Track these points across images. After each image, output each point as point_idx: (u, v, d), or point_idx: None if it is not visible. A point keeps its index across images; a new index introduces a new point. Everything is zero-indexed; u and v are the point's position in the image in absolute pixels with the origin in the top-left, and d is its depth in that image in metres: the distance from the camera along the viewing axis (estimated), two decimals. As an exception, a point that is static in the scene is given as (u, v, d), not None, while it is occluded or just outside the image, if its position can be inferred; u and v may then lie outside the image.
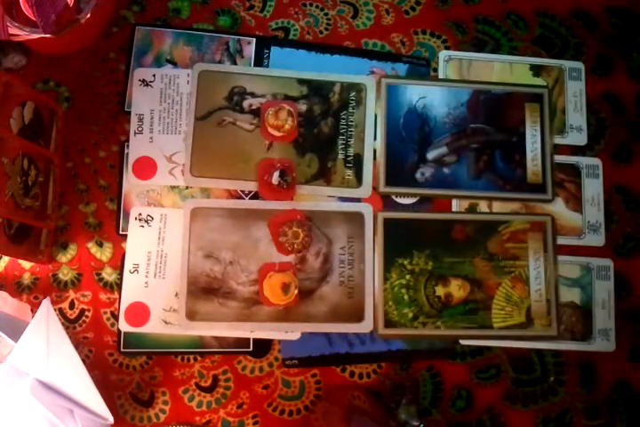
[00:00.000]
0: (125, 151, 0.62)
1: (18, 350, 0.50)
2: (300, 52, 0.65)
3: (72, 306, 0.60)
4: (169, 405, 0.59)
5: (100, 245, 0.61)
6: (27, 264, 0.61)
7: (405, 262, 0.60)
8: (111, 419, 0.51)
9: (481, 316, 0.60)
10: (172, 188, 0.61)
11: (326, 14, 0.66)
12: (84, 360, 0.52)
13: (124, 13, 0.65)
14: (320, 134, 0.63)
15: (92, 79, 0.64)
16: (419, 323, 0.60)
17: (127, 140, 0.62)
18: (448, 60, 0.65)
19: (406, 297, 0.60)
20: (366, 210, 0.61)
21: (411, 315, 0.60)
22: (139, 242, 0.60)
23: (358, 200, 0.62)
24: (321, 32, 0.66)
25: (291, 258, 0.60)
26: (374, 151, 0.63)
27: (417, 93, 0.64)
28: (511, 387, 0.60)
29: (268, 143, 0.62)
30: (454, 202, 0.63)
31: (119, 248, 0.61)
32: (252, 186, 0.61)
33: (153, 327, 0.59)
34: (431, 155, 0.63)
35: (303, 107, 0.63)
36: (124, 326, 0.59)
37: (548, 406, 0.60)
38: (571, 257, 0.62)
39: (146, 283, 0.59)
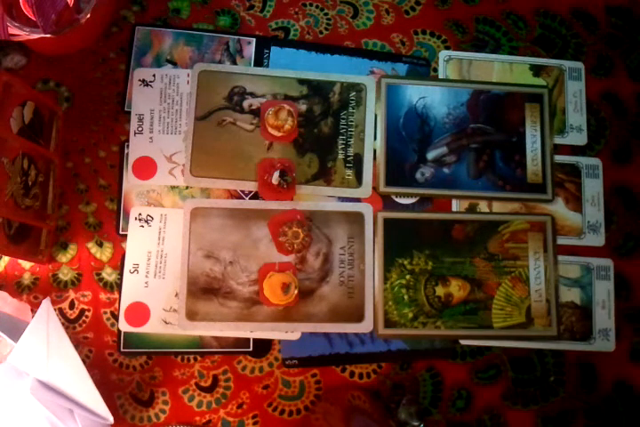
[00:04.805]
0: (125, 151, 0.62)
1: (18, 350, 0.50)
2: (300, 52, 0.65)
3: (72, 306, 0.60)
4: (169, 405, 0.59)
5: (100, 245, 0.61)
6: (27, 264, 0.61)
7: (405, 262, 0.60)
8: (111, 419, 0.51)
9: (481, 316, 0.60)
10: (172, 188, 0.61)
11: (326, 14, 0.66)
12: (83, 360, 0.52)
13: (124, 13, 0.65)
14: (320, 134, 0.63)
15: (92, 79, 0.64)
16: (419, 323, 0.60)
17: (127, 141, 0.62)
18: (448, 60, 0.65)
19: (406, 297, 0.60)
20: (366, 210, 0.61)
21: (411, 315, 0.60)
22: (139, 242, 0.60)
23: (358, 200, 0.62)
24: (321, 32, 0.66)
25: (291, 258, 0.60)
26: (374, 151, 0.63)
27: (417, 93, 0.64)
28: (511, 387, 0.60)
29: (268, 143, 0.62)
30: (454, 202, 0.63)
31: (119, 248, 0.61)
32: (251, 186, 0.61)
33: (153, 327, 0.59)
34: (431, 155, 0.63)
35: (303, 107, 0.63)
36: (124, 326, 0.59)
37: (548, 406, 0.60)
38: (571, 257, 0.62)
39: (146, 283, 0.59)
